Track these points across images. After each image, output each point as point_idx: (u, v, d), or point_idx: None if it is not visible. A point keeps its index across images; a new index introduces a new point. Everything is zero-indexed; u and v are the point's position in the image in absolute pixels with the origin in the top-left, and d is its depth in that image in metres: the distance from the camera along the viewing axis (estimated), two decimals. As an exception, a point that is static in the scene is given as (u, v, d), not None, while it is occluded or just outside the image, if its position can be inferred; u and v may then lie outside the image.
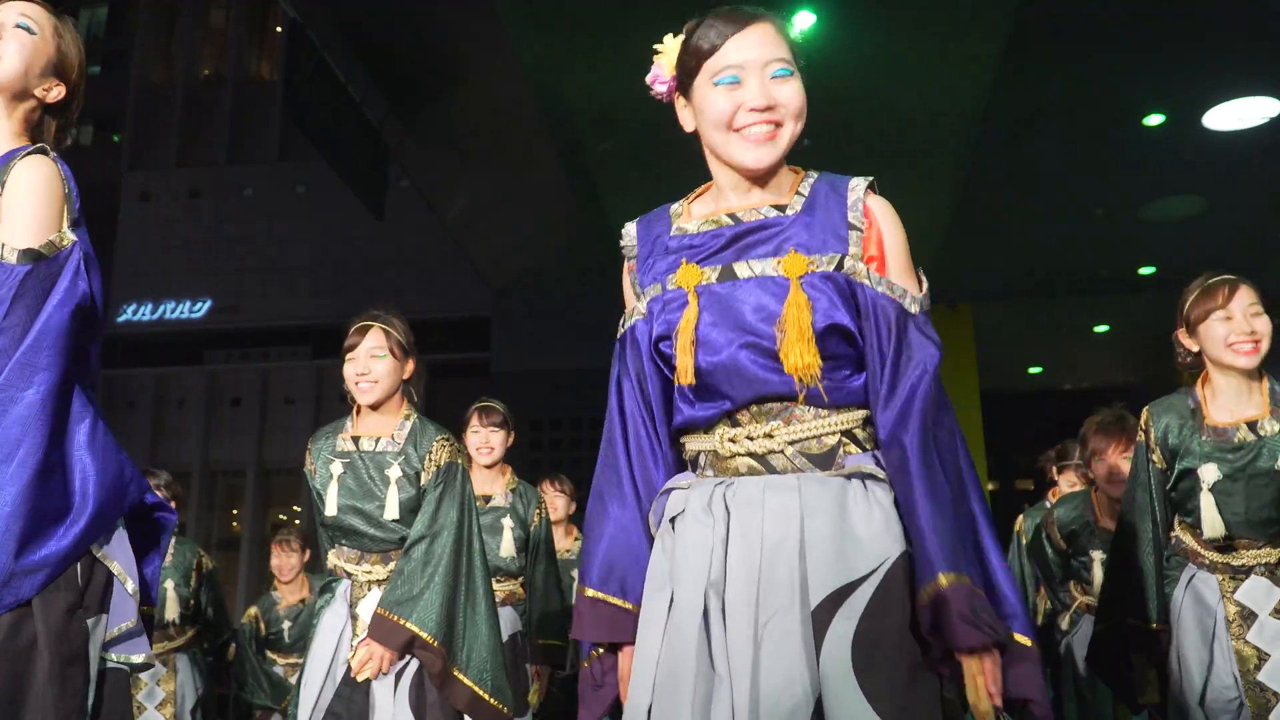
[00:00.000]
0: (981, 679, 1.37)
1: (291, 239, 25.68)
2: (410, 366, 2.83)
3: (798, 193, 1.57)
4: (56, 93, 1.74)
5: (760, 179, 1.57)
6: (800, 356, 1.42)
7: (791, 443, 1.48)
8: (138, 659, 1.68)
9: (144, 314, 26.00)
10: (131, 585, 1.63)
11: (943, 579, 1.35)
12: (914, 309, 1.49)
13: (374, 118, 8.89)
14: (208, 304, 25.91)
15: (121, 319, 26.03)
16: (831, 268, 1.48)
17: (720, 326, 1.49)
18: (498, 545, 3.71)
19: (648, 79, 1.65)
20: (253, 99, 27.50)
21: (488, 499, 3.79)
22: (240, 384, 25.76)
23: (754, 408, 1.49)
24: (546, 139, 8.67)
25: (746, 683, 1.37)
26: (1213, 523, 2.43)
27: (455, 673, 2.61)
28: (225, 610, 4.71)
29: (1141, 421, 2.63)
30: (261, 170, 26.66)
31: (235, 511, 25.63)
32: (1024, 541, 4.38)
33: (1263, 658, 2.39)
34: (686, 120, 1.62)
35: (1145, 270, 10.28)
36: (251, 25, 28.59)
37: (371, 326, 2.76)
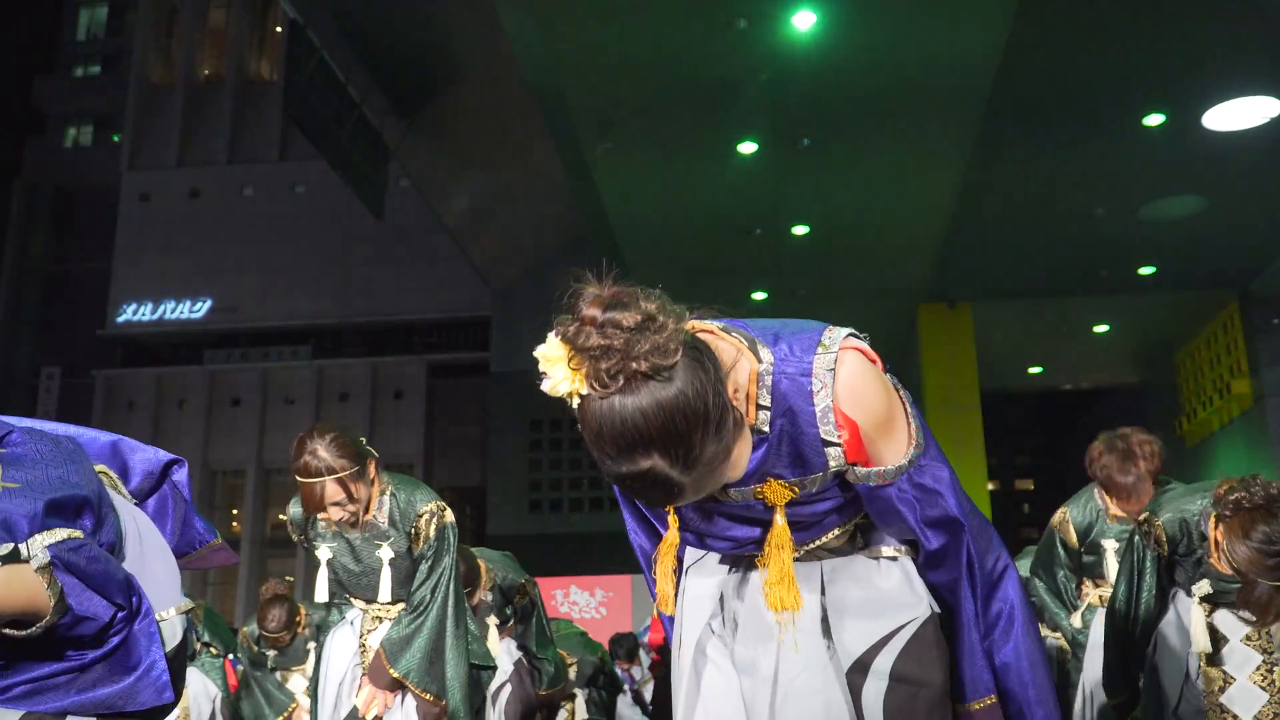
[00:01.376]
0: None
1: (291, 239, 25.66)
2: (371, 467, 2.70)
3: (764, 406, 1.34)
4: None
5: None
6: (780, 595, 1.38)
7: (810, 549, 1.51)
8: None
9: (144, 314, 25.99)
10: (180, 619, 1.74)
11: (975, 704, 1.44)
12: (913, 462, 1.39)
13: (374, 118, 8.90)
14: (208, 304, 25.89)
15: (121, 319, 26.02)
16: (815, 489, 1.39)
17: (700, 532, 1.48)
18: (484, 640, 3.77)
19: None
20: (253, 99, 27.47)
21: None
22: (240, 384, 25.75)
23: None
24: (546, 139, 8.68)
25: None
26: (1202, 641, 2.50)
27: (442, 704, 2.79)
28: (227, 629, 4.76)
29: (1149, 522, 2.59)
30: (261, 170, 26.63)
31: (235, 511, 25.62)
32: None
33: (1228, 681, 2.49)
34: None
35: (1145, 270, 10.29)
36: (251, 25, 28.57)
37: (323, 482, 2.58)
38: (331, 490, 2.58)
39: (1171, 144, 7.84)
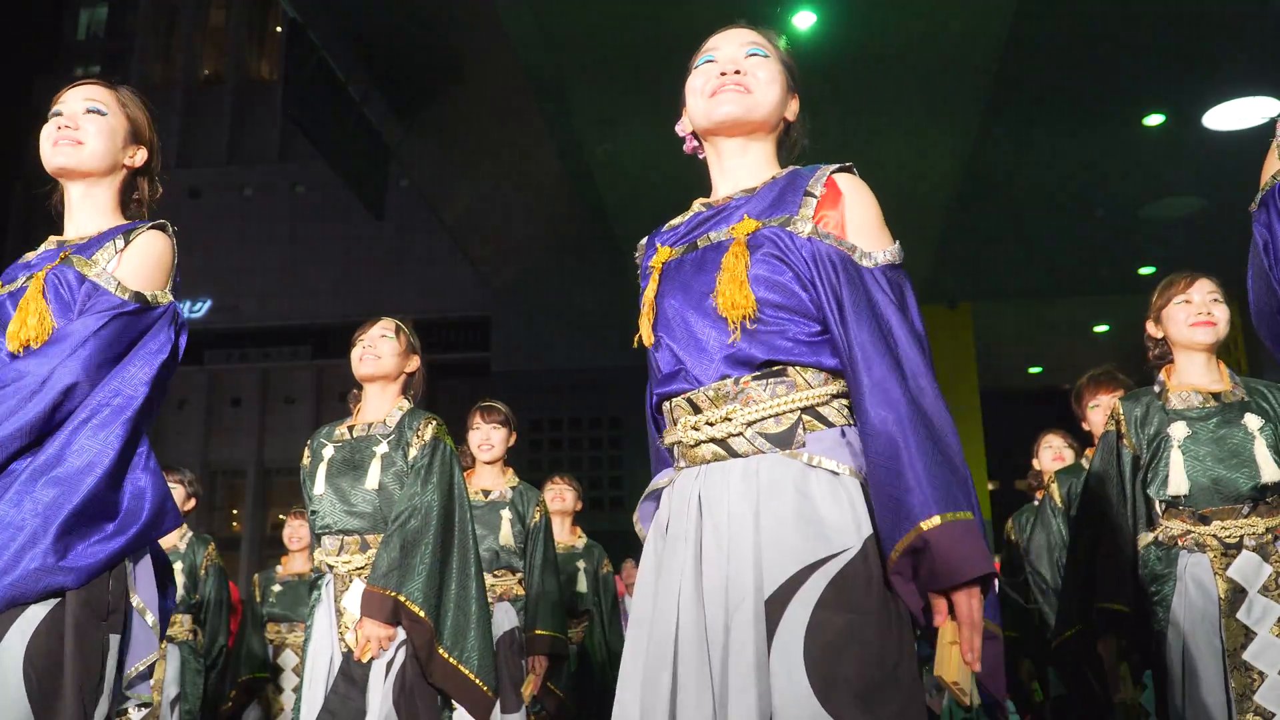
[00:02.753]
0: (960, 644, 1.33)
1: (291, 239, 25.66)
2: (414, 361, 2.98)
3: (772, 178, 1.63)
4: (140, 156, 1.97)
5: (744, 164, 1.65)
6: (731, 296, 1.47)
7: (750, 424, 1.48)
8: (143, 697, 1.78)
9: (144, 314, 25.96)
10: (152, 618, 1.72)
11: (940, 518, 1.32)
12: (865, 262, 1.48)
13: (374, 118, 8.89)
14: (208, 304, 25.88)
15: (121, 319, 25.97)
16: (778, 225, 1.52)
17: (675, 293, 1.58)
18: (497, 536, 3.74)
19: (677, 129, 1.75)
20: (253, 99, 27.47)
21: (487, 493, 3.84)
22: (240, 384, 25.75)
23: (711, 391, 1.51)
24: (546, 139, 8.67)
25: (718, 677, 1.38)
26: (1178, 480, 2.48)
27: (440, 650, 2.63)
28: (225, 611, 4.69)
29: (1113, 412, 2.70)
30: (261, 170, 26.64)
31: (235, 511, 25.63)
32: (1011, 539, 4.39)
33: (1249, 636, 2.39)
34: (687, 124, 1.71)
35: (1145, 270, 10.29)
36: (251, 25, 28.57)
37: (384, 318, 3.00)
38: (386, 324, 2.95)
39: (1171, 144, 7.84)
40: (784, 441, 1.47)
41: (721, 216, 1.60)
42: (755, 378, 1.48)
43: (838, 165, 1.59)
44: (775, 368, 1.48)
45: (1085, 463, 3.76)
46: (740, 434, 1.48)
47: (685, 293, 1.56)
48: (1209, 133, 7.64)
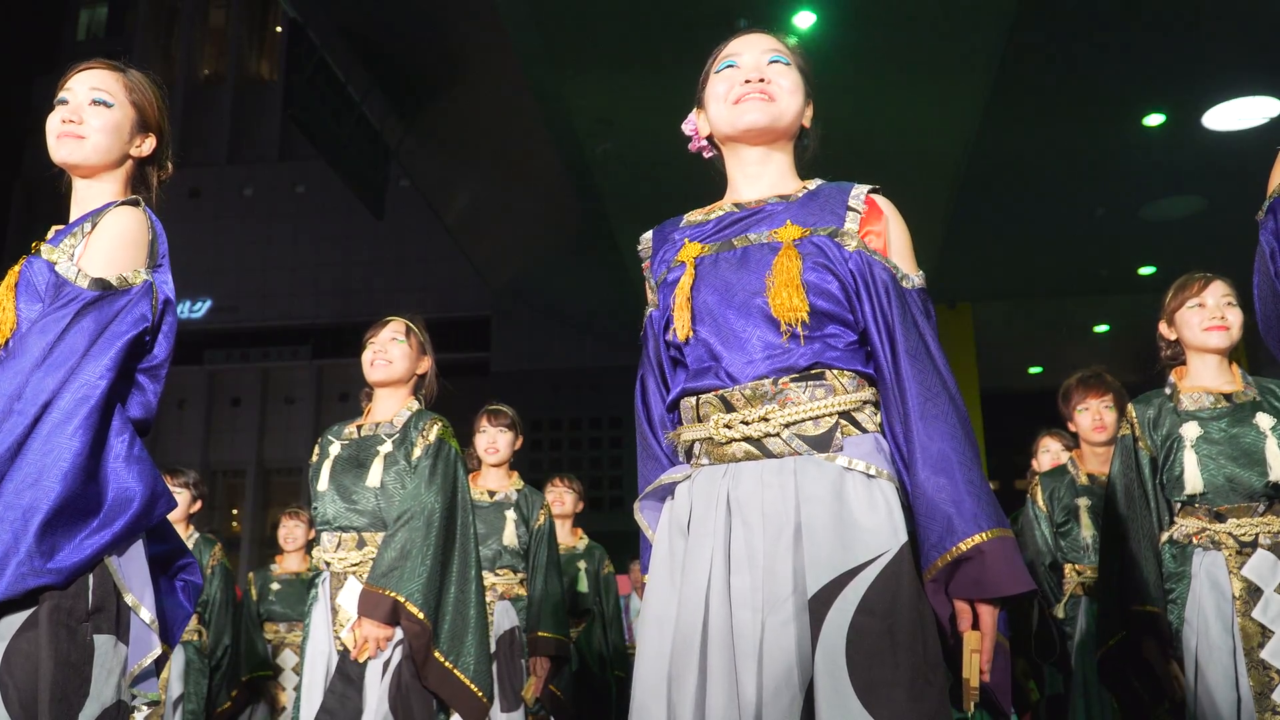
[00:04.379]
0: (981, 653, 1.39)
1: (291, 239, 25.64)
2: (426, 363, 2.99)
3: (805, 189, 1.64)
4: (148, 145, 1.88)
5: (768, 172, 1.65)
6: (787, 299, 1.48)
7: (787, 425, 1.49)
8: (149, 695, 1.74)
9: (144, 314, 25.92)
10: (148, 615, 1.67)
11: (991, 533, 1.40)
12: (905, 284, 1.54)
13: (374, 118, 8.89)
14: (208, 304, 25.86)
15: (121, 319, 25.94)
16: (825, 235, 1.54)
17: (713, 289, 1.56)
18: (500, 536, 3.75)
19: (684, 128, 1.74)
20: (253, 99, 27.45)
21: (493, 494, 3.86)
22: (240, 384, 25.72)
23: (748, 390, 1.51)
24: (546, 139, 8.67)
25: (753, 677, 1.38)
26: (1193, 479, 2.50)
27: (436, 654, 2.61)
28: (230, 612, 4.68)
29: (1126, 416, 2.71)
30: (261, 170, 26.61)
31: (235, 511, 25.60)
32: None
33: (1266, 635, 2.39)
34: (703, 127, 1.70)
35: (1145, 270, 10.28)
36: (251, 25, 28.55)
37: (394, 320, 2.99)
38: (397, 327, 2.95)
39: (1171, 144, 7.83)
40: (822, 444, 1.49)
41: (757, 218, 1.60)
42: (794, 379, 1.50)
43: (870, 186, 1.62)
44: (815, 371, 1.50)
45: (1071, 466, 3.73)
46: (777, 434, 1.49)
47: (726, 291, 1.55)
48: (1209, 133, 7.63)
